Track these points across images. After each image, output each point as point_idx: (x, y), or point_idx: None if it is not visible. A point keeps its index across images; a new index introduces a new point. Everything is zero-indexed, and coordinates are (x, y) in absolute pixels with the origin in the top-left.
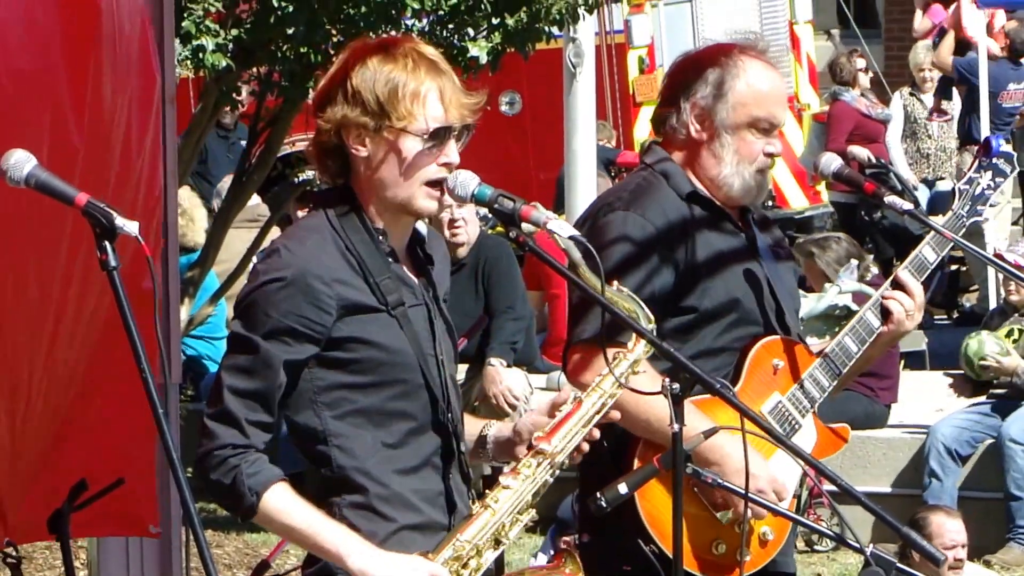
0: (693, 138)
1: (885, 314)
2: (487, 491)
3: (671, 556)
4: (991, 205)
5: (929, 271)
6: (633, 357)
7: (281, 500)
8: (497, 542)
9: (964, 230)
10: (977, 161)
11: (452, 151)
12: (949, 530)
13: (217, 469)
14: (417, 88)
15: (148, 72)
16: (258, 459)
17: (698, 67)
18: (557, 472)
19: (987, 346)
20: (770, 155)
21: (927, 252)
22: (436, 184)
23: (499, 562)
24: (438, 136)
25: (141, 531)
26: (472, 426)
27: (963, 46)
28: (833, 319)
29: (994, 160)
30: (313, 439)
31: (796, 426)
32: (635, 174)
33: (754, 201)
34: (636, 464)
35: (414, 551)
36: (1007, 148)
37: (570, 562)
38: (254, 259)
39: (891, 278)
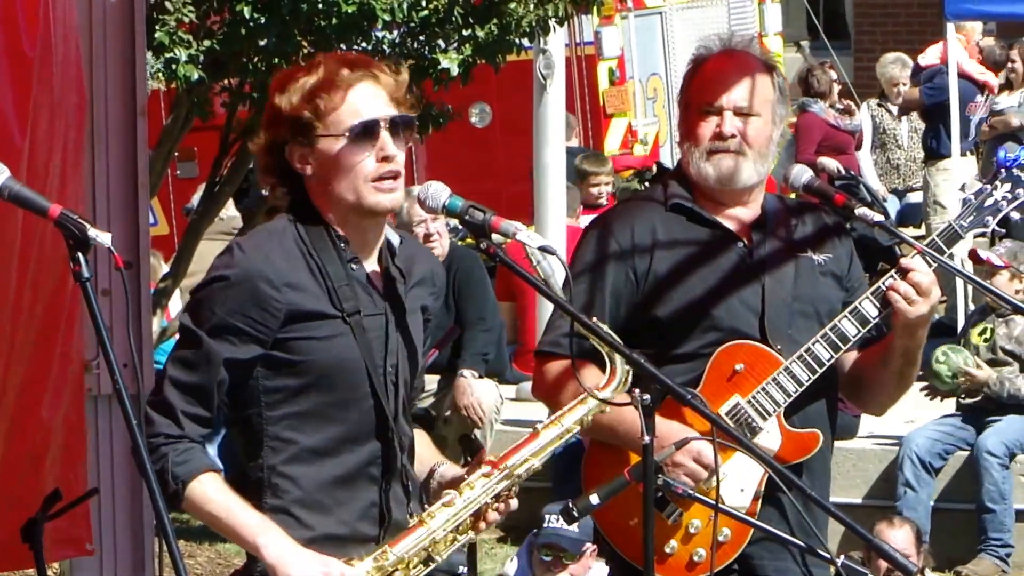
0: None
1: (885, 304)
2: (427, 506)
3: (619, 552)
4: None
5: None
6: (615, 383)
7: (205, 489)
8: (428, 559)
9: (961, 240)
10: (993, 172)
11: (388, 144)
12: (889, 539)
13: (150, 455)
14: (332, 89)
15: (80, 93)
16: (188, 449)
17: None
18: (510, 488)
19: (960, 359)
20: (718, 136)
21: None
22: (380, 179)
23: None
24: (365, 131)
25: (79, 550)
26: (428, 456)
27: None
28: None
29: (1012, 170)
30: (251, 437)
31: (756, 429)
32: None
33: (724, 187)
34: (584, 472)
35: None
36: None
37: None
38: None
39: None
